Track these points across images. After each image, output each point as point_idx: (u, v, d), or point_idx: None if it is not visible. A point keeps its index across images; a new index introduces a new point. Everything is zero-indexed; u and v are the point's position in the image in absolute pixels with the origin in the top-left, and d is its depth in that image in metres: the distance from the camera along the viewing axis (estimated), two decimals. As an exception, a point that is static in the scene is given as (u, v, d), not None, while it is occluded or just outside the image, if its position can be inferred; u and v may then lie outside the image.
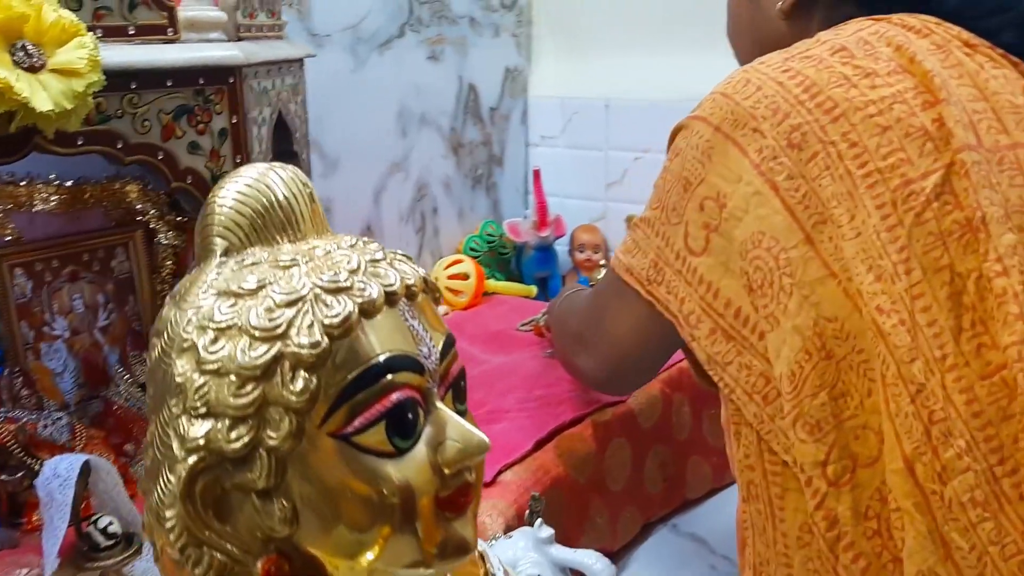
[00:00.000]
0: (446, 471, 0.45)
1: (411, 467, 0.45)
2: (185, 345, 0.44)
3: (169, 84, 0.81)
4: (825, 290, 0.71)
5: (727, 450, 0.84)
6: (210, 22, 0.86)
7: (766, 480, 0.77)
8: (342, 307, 0.44)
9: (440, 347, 0.48)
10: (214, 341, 0.43)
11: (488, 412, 1.26)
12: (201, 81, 0.83)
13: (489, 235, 1.87)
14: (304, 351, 0.42)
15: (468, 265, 1.76)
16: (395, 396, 0.44)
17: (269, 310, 0.43)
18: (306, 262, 0.45)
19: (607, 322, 0.91)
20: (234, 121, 0.87)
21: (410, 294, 0.47)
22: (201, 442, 0.42)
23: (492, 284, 1.82)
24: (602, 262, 1.86)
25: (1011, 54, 0.80)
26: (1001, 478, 0.66)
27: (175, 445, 0.43)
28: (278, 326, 0.43)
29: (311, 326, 0.43)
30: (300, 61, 1.06)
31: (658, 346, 0.89)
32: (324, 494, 0.44)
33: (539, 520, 0.94)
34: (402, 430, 0.44)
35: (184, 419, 0.43)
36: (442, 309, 1.73)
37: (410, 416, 0.45)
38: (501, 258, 1.90)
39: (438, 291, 0.51)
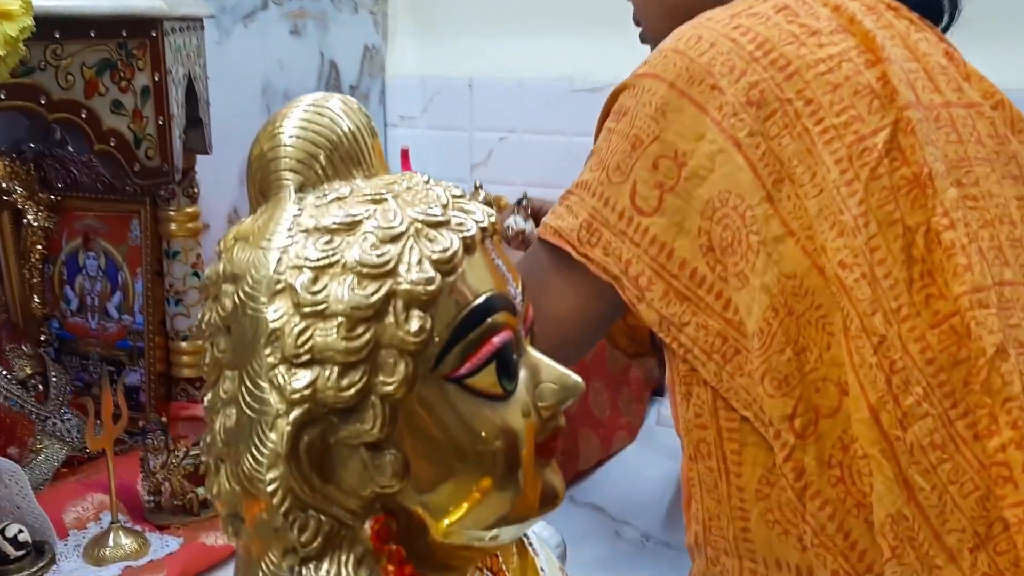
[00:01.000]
0: (544, 414, 0.44)
1: (514, 411, 0.43)
2: (279, 287, 0.39)
3: (92, 35, 0.74)
4: (784, 248, 0.73)
5: (671, 411, 0.85)
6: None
7: (720, 437, 0.79)
8: (448, 241, 0.41)
9: (520, 289, 0.46)
10: (314, 281, 0.39)
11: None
12: (124, 33, 0.76)
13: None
14: (419, 288, 0.40)
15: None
16: (500, 336, 0.42)
17: (374, 246, 0.40)
18: (393, 196, 0.42)
19: (546, 302, 0.84)
20: (156, 79, 0.80)
21: (494, 231, 0.45)
22: (307, 392, 0.39)
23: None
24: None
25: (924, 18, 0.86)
26: (955, 420, 0.70)
27: (273, 398, 0.39)
28: (387, 262, 0.39)
29: (420, 262, 0.40)
30: (201, 21, 0.99)
31: (600, 317, 0.87)
32: (434, 443, 0.41)
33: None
34: (508, 371, 0.42)
35: (283, 368, 0.39)
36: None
37: (514, 357, 0.43)
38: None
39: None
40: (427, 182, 0.45)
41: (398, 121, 1.95)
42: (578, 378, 0.45)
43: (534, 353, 0.45)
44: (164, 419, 1.02)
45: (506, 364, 0.42)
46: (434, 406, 0.41)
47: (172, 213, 1.05)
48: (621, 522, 1.33)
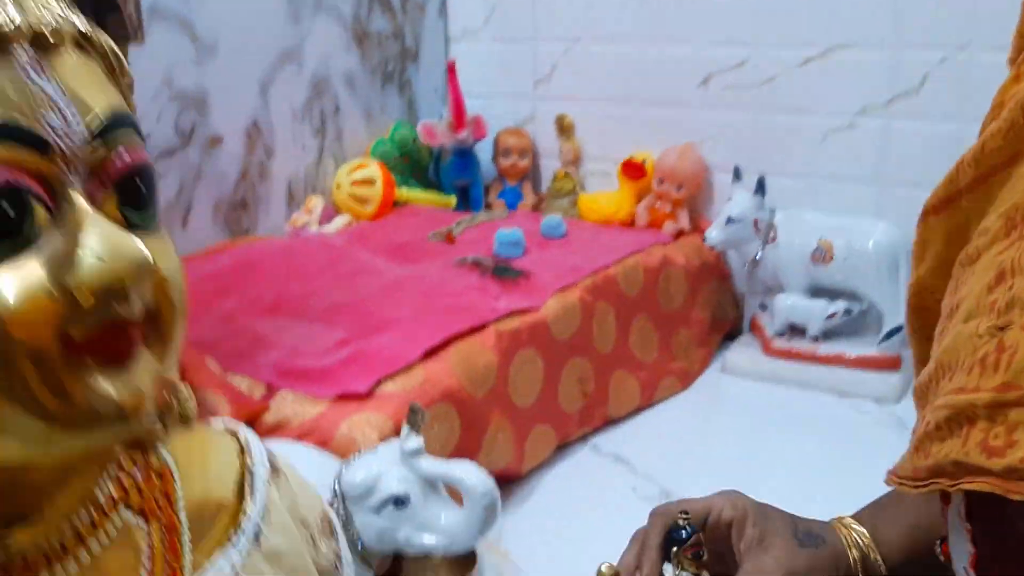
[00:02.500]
0: (80, 298, 0.30)
1: (10, 287, 0.29)
2: None
3: None
4: None
5: None
6: None
7: None
8: None
9: (94, 123, 0.32)
10: None
11: (376, 322, 1.10)
12: None
13: (402, 138, 1.70)
14: None
15: (374, 169, 1.59)
16: None
17: None
18: None
19: None
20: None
21: (39, 42, 0.31)
22: None
23: (405, 192, 1.65)
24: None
25: None
26: None
27: None
28: None
29: None
30: None
31: None
32: None
33: (406, 430, 0.79)
34: None
35: None
36: (345, 219, 1.56)
37: (10, 212, 0.29)
38: (417, 165, 1.73)
39: (119, 59, 0.35)
40: None
41: (459, 35, 1.81)
42: (141, 249, 0.30)
43: (86, 210, 0.31)
44: None
45: None
46: None
47: None
48: (643, 477, 1.17)
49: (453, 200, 1.70)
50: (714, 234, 1.41)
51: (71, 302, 0.30)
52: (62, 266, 0.30)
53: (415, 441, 0.78)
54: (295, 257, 1.35)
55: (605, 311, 1.30)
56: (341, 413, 0.92)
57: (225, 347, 1.06)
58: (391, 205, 1.62)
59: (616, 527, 1.08)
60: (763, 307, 1.51)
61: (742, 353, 1.49)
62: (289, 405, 0.94)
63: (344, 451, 0.85)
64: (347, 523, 0.78)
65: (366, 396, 0.94)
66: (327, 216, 1.55)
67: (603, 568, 0.58)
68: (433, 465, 0.77)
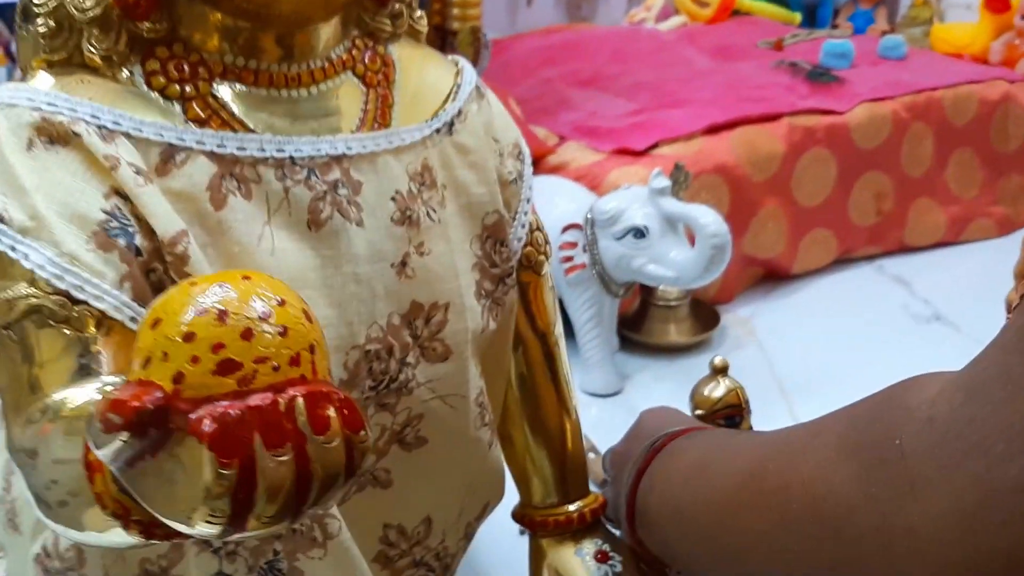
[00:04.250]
0: None
1: None
2: None
3: None
4: None
5: None
6: None
7: None
8: None
9: None
10: None
11: (672, 100, 1.15)
12: None
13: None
14: None
15: (717, -27, 1.59)
16: None
17: None
18: None
19: None
20: None
21: None
22: None
23: (748, 2, 1.64)
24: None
25: None
26: None
27: None
28: None
29: None
30: None
31: None
32: None
33: (658, 170, 0.85)
34: None
35: None
36: (681, 19, 1.59)
37: None
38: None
39: None
40: None
41: None
42: None
43: None
44: None
45: None
46: None
47: None
48: (920, 299, 1.14)
49: (798, 17, 1.66)
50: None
51: None
52: None
53: (662, 181, 0.84)
54: (621, 44, 1.41)
55: (922, 133, 1.24)
56: (614, 164, 0.99)
57: (535, 104, 1.17)
58: (730, 12, 1.61)
59: (877, 338, 1.09)
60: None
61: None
62: (572, 152, 1.04)
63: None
64: (592, 245, 0.86)
65: (641, 153, 1.01)
66: (664, 14, 1.59)
67: (715, 361, 0.61)
68: (674, 204, 0.83)
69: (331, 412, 0.27)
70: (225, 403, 0.26)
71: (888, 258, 1.24)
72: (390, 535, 0.50)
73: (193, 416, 0.25)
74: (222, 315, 0.26)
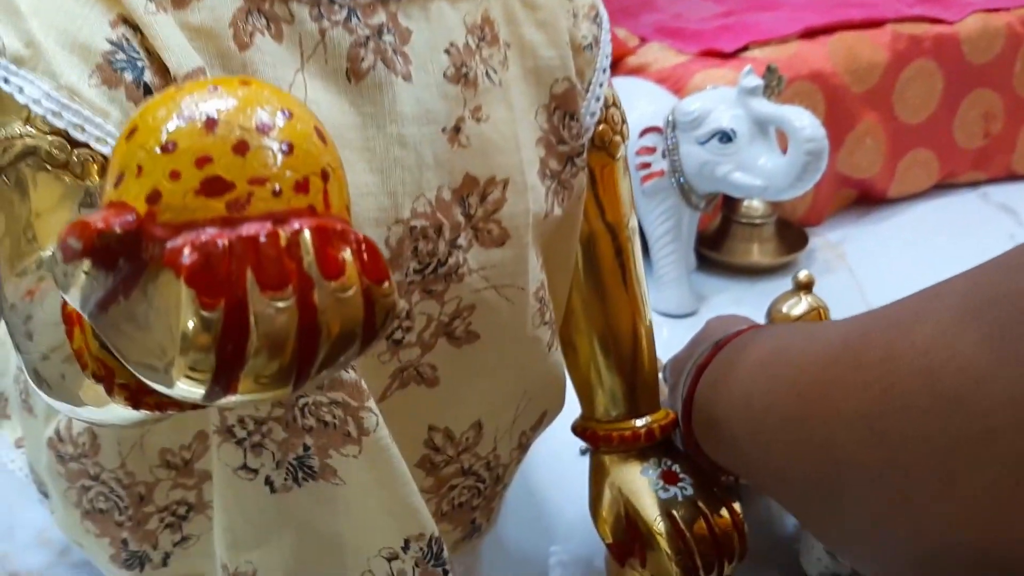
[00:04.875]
0: None
1: None
2: None
3: None
4: None
5: None
6: None
7: None
8: None
9: None
10: None
11: (767, 3, 1.06)
12: None
13: None
14: None
15: None
16: None
17: None
18: None
19: None
20: None
21: None
22: None
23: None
24: None
25: None
26: None
27: None
28: None
29: None
30: None
31: None
32: None
33: (749, 68, 0.77)
34: None
35: None
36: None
37: None
38: None
39: None
40: None
41: None
42: None
43: None
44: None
45: None
46: None
47: None
48: (1005, 210, 1.04)
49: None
50: None
51: None
52: None
53: (754, 80, 0.76)
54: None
55: (1042, 51, 1.13)
56: (700, 65, 0.91)
57: (615, 3, 1.08)
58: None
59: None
60: None
61: None
62: (653, 53, 0.96)
63: (692, 97, 0.85)
64: (673, 151, 0.79)
65: (729, 56, 0.93)
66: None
67: (800, 276, 0.56)
68: (766, 105, 0.75)
69: (347, 255, 0.21)
70: (211, 230, 0.20)
71: (994, 185, 1.14)
72: (436, 439, 0.45)
73: (169, 245, 0.20)
74: (211, 123, 0.21)
